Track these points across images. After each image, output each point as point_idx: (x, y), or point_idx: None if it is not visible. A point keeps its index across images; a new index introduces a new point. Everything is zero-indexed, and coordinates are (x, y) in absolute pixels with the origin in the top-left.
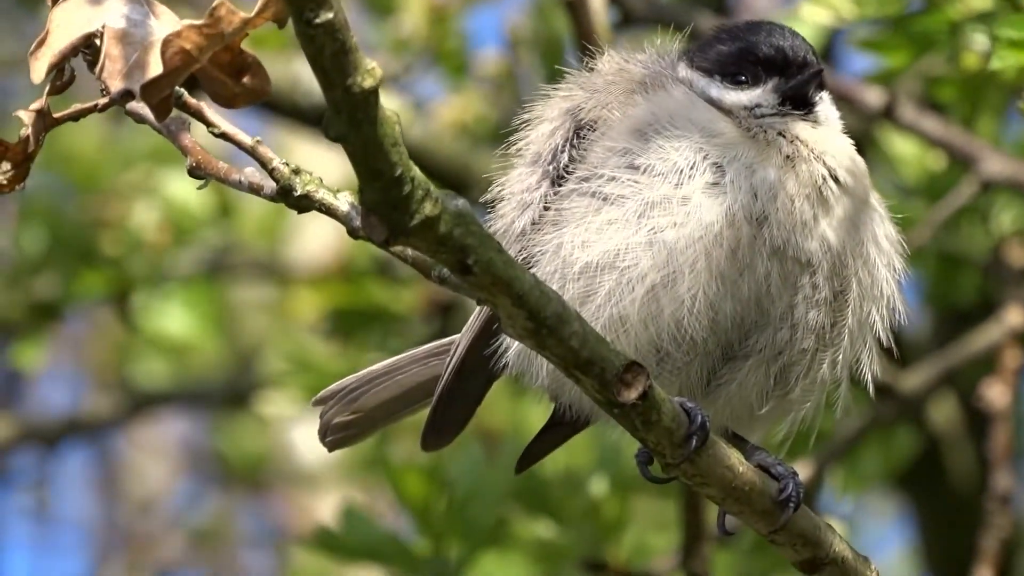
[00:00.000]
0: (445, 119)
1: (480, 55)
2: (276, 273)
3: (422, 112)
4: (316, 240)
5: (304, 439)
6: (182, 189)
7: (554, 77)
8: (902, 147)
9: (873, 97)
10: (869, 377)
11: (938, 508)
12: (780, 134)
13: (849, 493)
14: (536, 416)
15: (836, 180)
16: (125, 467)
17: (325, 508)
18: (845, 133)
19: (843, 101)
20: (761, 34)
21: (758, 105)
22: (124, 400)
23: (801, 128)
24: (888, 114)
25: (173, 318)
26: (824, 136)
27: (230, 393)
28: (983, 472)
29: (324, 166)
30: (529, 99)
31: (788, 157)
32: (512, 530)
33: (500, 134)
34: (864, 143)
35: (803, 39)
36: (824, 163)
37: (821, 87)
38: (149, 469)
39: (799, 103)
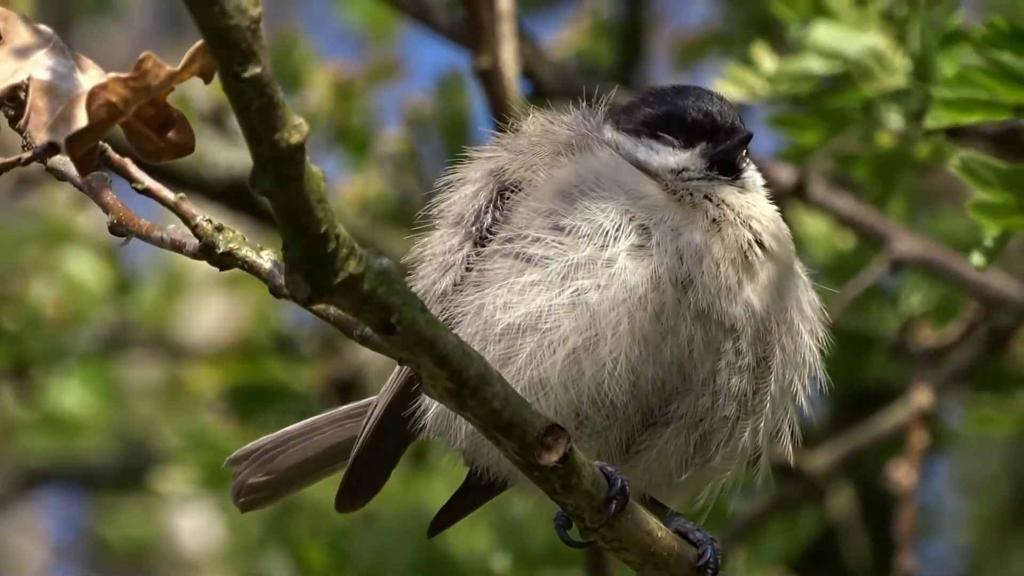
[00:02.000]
0: (347, 196)
1: (382, 133)
2: (173, 350)
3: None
4: (214, 316)
5: (188, 525)
6: (80, 266)
7: (457, 155)
8: (812, 226)
9: (784, 175)
10: (790, 447)
11: None
12: (706, 197)
13: (752, 574)
14: (439, 491)
15: (761, 245)
16: (4, 550)
17: None
18: (770, 199)
19: None
20: (689, 98)
21: (685, 168)
22: (12, 477)
23: (727, 192)
24: (799, 192)
25: (71, 395)
26: (750, 201)
27: (120, 473)
28: (878, 559)
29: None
30: (435, 176)
31: (714, 221)
32: None
33: (401, 211)
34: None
35: (730, 105)
36: (750, 228)
37: (746, 153)
38: (29, 552)
39: (727, 168)
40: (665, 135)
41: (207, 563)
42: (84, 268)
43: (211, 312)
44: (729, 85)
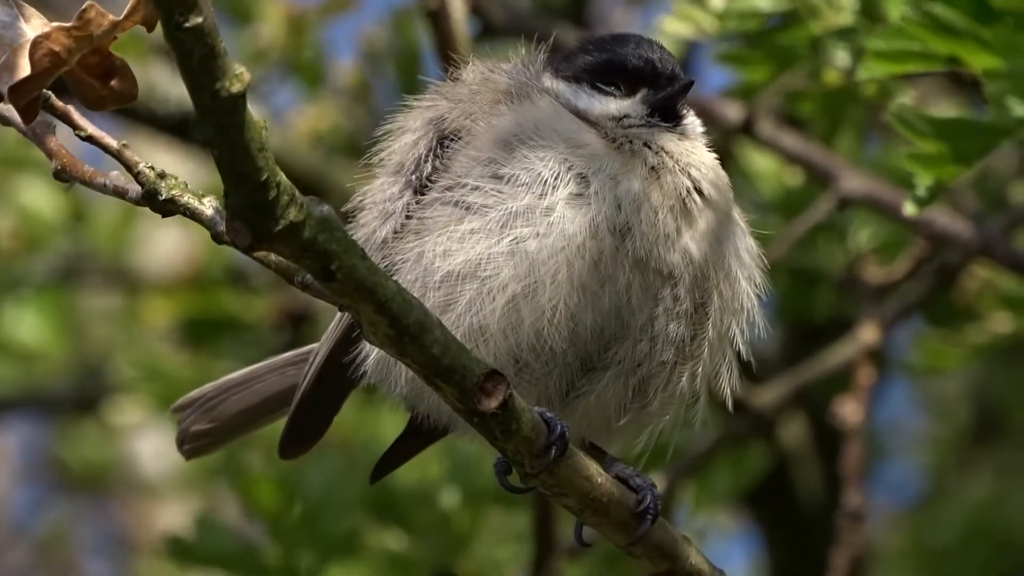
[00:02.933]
0: (300, 129)
1: (336, 65)
2: (127, 281)
3: (278, 122)
4: (168, 248)
5: (148, 448)
6: (35, 196)
7: (410, 88)
8: (760, 163)
9: (732, 112)
10: (728, 391)
11: (786, 526)
12: (646, 145)
13: (701, 509)
14: (389, 426)
15: (700, 193)
16: None
17: (167, 517)
18: (709, 147)
19: (702, 116)
20: (629, 45)
21: (627, 115)
22: None
23: (667, 140)
24: (747, 129)
25: (26, 325)
26: (690, 149)
27: (77, 400)
28: (831, 491)
29: (181, 171)
30: (388, 110)
31: (653, 168)
32: (363, 540)
33: (355, 144)
34: (722, 158)
35: (670, 53)
36: (689, 175)
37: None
38: None
39: (667, 115)
40: (605, 83)
41: (166, 487)
42: (39, 198)
43: (166, 242)
44: (677, 22)
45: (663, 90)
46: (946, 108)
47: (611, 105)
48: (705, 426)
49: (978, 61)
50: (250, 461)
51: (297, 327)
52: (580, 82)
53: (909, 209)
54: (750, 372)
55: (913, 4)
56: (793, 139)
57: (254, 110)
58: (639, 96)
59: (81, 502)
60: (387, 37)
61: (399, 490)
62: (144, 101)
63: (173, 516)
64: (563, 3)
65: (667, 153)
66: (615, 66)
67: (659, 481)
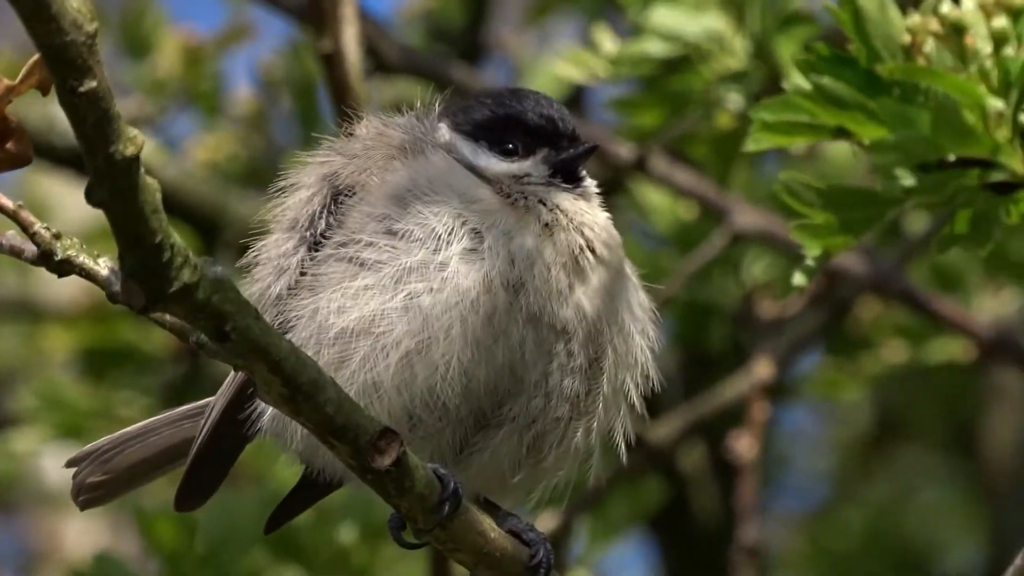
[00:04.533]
0: (198, 158)
1: (233, 95)
2: (28, 310)
3: (176, 152)
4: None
5: (52, 464)
6: None
7: (307, 117)
8: (654, 197)
9: (625, 151)
10: (622, 445)
11: (685, 551)
12: (541, 202)
13: (597, 541)
14: (288, 466)
15: (593, 251)
16: None
17: (73, 532)
18: (603, 206)
19: (594, 155)
20: (528, 102)
21: (528, 175)
22: None
23: (561, 198)
24: (640, 167)
25: None
26: (584, 208)
27: None
28: (729, 515)
29: (79, 204)
30: (287, 148)
31: (547, 225)
32: None
33: (252, 173)
34: (615, 192)
35: (568, 112)
36: (582, 233)
37: None
38: None
39: (568, 176)
40: (505, 141)
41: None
42: None
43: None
44: (569, 66)
45: (564, 151)
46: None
47: (513, 165)
48: (599, 480)
49: (866, 132)
50: (150, 499)
51: (196, 358)
52: (478, 139)
53: (798, 280)
54: (646, 412)
55: (802, 74)
56: (686, 175)
57: (150, 146)
58: (540, 156)
59: None
60: (284, 66)
61: (298, 526)
62: (44, 135)
63: (79, 531)
64: (456, 29)
65: (561, 211)
66: (515, 123)
67: (553, 517)
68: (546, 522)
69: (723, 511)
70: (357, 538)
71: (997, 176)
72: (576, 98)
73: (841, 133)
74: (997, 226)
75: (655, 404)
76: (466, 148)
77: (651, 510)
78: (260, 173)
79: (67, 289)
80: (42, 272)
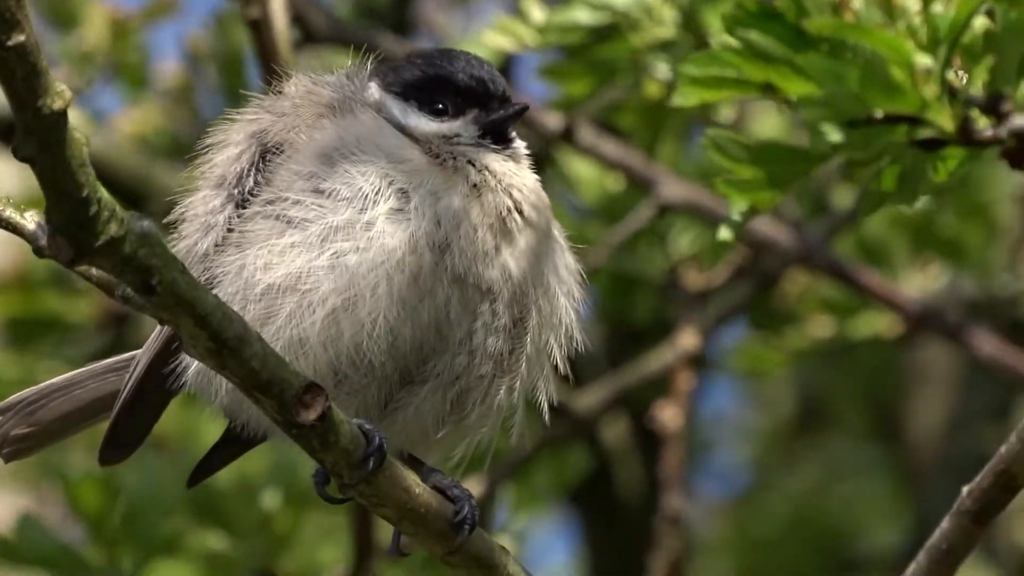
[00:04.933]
0: (125, 131)
1: (160, 68)
2: None
3: (102, 124)
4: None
5: None
6: None
7: (234, 90)
8: (581, 168)
9: (552, 121)
10: (545, 404)
11: (607, 524)
12: (469, 162)
13: (521, 510)
14: (211, 428)
15: (521, 212)
16: None
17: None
18: (533, 168)
19: (522, 124)
20: (459, 63)
21: (458, 135)
22: None
23: (491, 159)
24: (567, 137)
25: None
26: (513, 169)
27: None
28: (652, 488)
29: (11, 173)
30: (212, 114)
31: (475, 186)
32: (185, 541)
33: (179, 146)
34: (543, 163)
35: (499, 72)
36: (510, 195)
37: None
38: None
39: (498, 138)
40: (435, 101)
41: None
42: None
43: None
44: (498, 35)
45: (495, 112)
46: (770, 119)
47: (443, 125)
48: (522, 438)
49: (793, 88)
50: (73, 462)
51: (121, 328)
52: (408, 99)
53: (724, 234)
54: (572, 378)
55: (728, 29)
56: (613, 146)
57: (77, 118)
58: (470, 117)
59: None
60: (211, 40)
61: (221, 491)
62: None
63: (5, 504)
64: (385, 4)
65: (490, 172)
66: (445, 84)
67: (478, 484)
68: (470, 488)
69: (647, 484)
70: (280, 503)
71: (925, 133)
72: (505, 70)
73: (768, 89)
74: (925, 184)
75: (580, 375)
76: (396, 108)
77: (575, 480)
78: (186, 146)
79: None
80: None
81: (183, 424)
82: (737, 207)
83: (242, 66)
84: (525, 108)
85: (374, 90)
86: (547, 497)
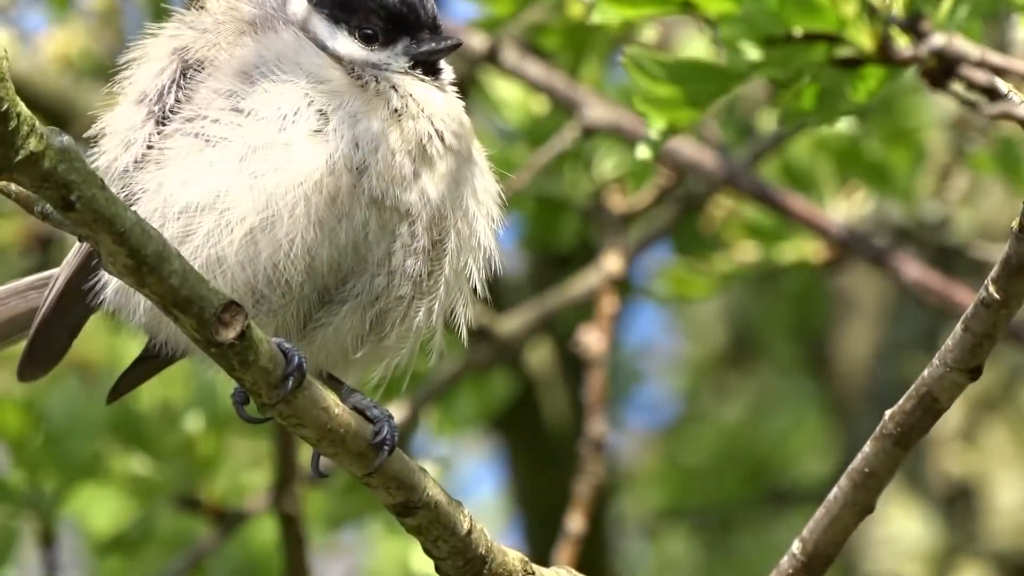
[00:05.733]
0: (50, 52)
1: None
2: None
3: (27, 44)
4: None
5: None
6: None
7: (159, 12)
8: (505, 91)
9: (477, 41)
10: (463, 326)
11: (533, 451)
12: (392, 87)
13: (444, 435)
14: (133, 350)
15: (442, 139)
16: None
17: None
18: (457, 94)
19: None
20: None
21: (387, 64)
22: None
23: (415, 86)
24: (491, 58)
25: None
26: (436, 96)
27: None
28: (578, 416)
29: None
30: (135, 37)
31: (396, 111)
32: (108, 464)
33: (104, 68)
34: (467, 86)
35: None
36: (431, 122)
37: None
38: None
39: (428, 69)
40: (363, 25)
41: None
42: None
43: None
44: None
45: (425, 43)
46: (694, 41)
47: (370, 54)
48: (441, 358)
49: (712, 6)
50: None
51: (45, 251)
52: (337, 21)
53: (642, 152)
54: (495, 301)
55: None
56: (538, 68)
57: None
58: (400, 47)
59: None
60: None
61: (143, 414)
62: None
63: None
64: None
65: (413, 98)
66: (376, 8)
67: (400, 410)
68: (394, 413)
69: (573, 410)
70: (203, 427)
71: (844, 52)
72: None
73: (687, 7)
74: (844, 103)
75: (505, 300)
76: (323, 29)
77: (499, 405)
78: (112, 68)
79: None
80: None
81: (105, 347)
82: (655, 126)
83: None
84: (457, 45)
85: (300, 5)
86: (471, 422)
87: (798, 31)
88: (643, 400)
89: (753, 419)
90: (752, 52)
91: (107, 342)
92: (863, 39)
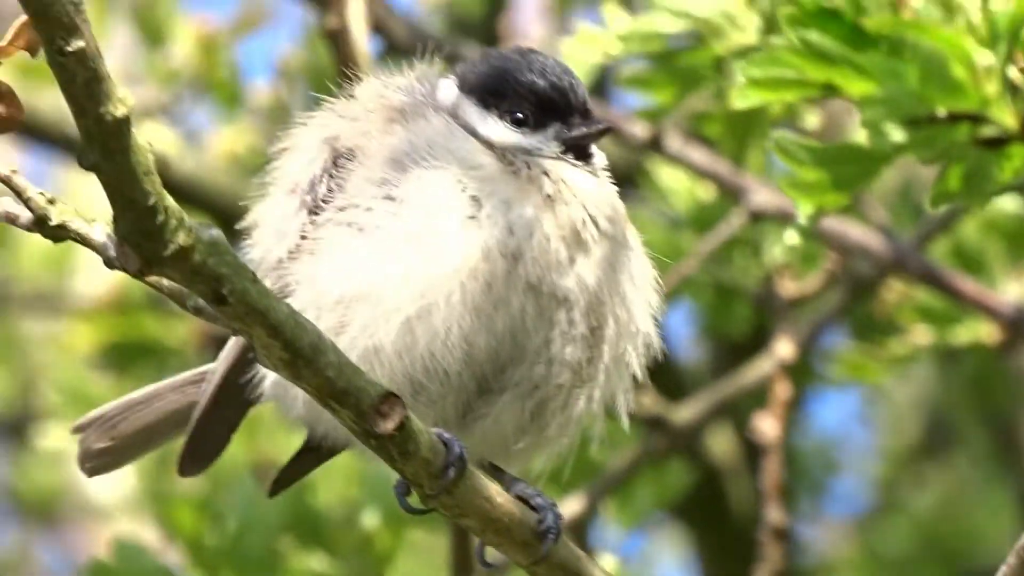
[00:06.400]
0: (217, 150)
1: (252, 86)
2: (53, 306)
3: (194, 143)
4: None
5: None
6: None
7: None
8: (671, 178)
9: (639, 129)
10: (624, 412)
11: (718, 540)
12: (544, 173)
13: (623, 526)
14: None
15: (596, 224)
16: None
17: None
18: (609, 173)
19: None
20: (540, 69)
21: (538, 150)
22: None
23: (567, 171)
24: (655, 146)
25: None
26: (587, 180)
27: (11, 424)
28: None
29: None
30: (287, 126)
31: (549, 197)
32: (286, 563)
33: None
34: (632, 173)
35: (580, 81)
36: (585, 208)
37: None
38: None
39: (579, 154)
40: (514, 110)
41: (118, 509)
42: None
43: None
44: (581, 45)
45: (576, 128)
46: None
47: (521, 138)
48: (604, 446)
49: (854, 87)
50: (171, 485)
51: (219, 350)
52: (488, 106)
53: (791, 237)
54: (674, 390)
55: (789, 29)
56: (702, 154)
57: (167, 136)
58: (551, 131)
59: (35, 527)
60: (302, 56)
61: (320, 511)
62: (57, 126)
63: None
64: (477, 20)
65: (565, 183)
66: (525, 92)
67: (577, 501)
68: (570, 505)
69: (756, 499)
70: (379, 523)
71: (987, 131)
72: (598, 82)
73: (829, 89)
74: (990, 183)
75: (686, 389)
76: (474, 114)
77: (677, 494)
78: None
79: (91, 282)
80: (70, 267)
81: (282, 445)
82: (804, 209)
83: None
84: (608, 130)
85: (450, 90)
86: (649, 513)
87: (941, 111)
88: (839, 490)
89: (948, 508)
90: (895, 133)
91: (283, 439)
92: (1006, 118)
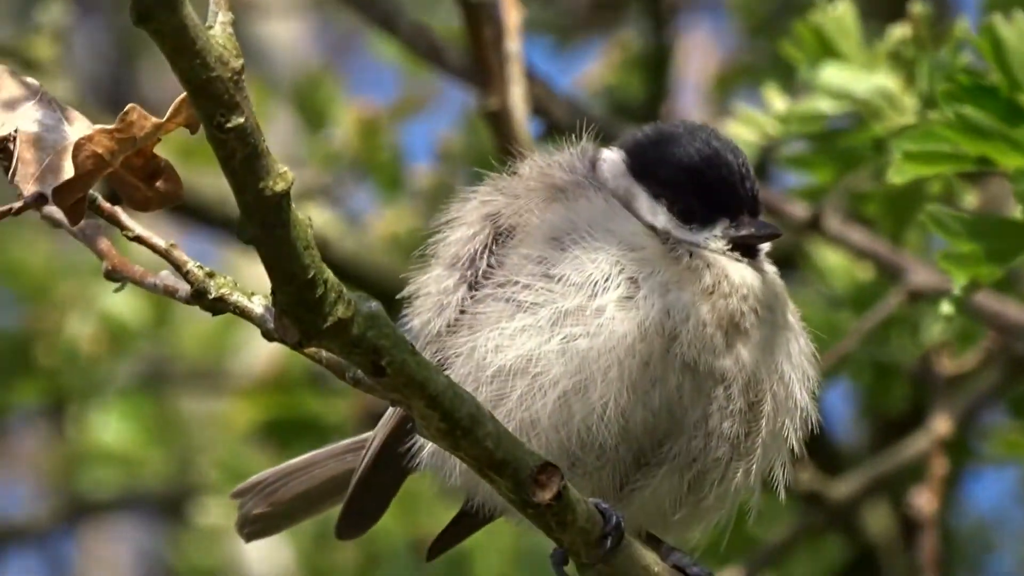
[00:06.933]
0: (378, 232)
1: (413, 168)
2: (213, 384)
3: (356, 225)
4: (263, 351)
5: (253, 550)
6: (117, 300)
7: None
8: (831, 258)
9: (799, 209)
10: (782, 486)
11: None
12: (707, 265)
13: None
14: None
15: (756, 314)
16: None
17: None
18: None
19: (771, 213)
20: (711, 160)
21: (705, 244)
22: (64, 506)
23: (729, 264)
24: (815, 226)
25: (110, 429)
26: (750, 275)
27: (170, 502)
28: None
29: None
30: (448, 200)
31: (707, 288)
32: None
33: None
34: (793, 254)
35: (747, 165)
36: (745, 301)
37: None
38: None
39: (746, 252)
40: (685, 202)
41: None
42: (119, 302)
43: (259, 346)
44: (741, 127)
45: (744, 227)
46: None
47: (688, 233)
48: (760, 520)
49: (1008, 161)
50: (328, 559)
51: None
52: (657, 196)
53: (946, 309)
54: (829, 466)
55: (945, 105)
56: (861, 234)
57: (328, 218)
58: (719, 228)
59: None
60: (462, 138)
61: None
62: (219, 207)
63: None
64: (638, 104)
65: (727, 278)
66: (696, 187)
67: (736, 573)
68: None
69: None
70: None
71: None
72: (762, 166)
73: (983, 163)
74: None
75: (844, 467)
76: (643, 201)
77: (834, 570)
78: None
79: (251, 360)
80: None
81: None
82: (958, 282)
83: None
84: (777, 234)
85: (615, 167)
86: None
87: None
88: (995, 569)
89: None
90: None
91: (442, 512)
92: None
